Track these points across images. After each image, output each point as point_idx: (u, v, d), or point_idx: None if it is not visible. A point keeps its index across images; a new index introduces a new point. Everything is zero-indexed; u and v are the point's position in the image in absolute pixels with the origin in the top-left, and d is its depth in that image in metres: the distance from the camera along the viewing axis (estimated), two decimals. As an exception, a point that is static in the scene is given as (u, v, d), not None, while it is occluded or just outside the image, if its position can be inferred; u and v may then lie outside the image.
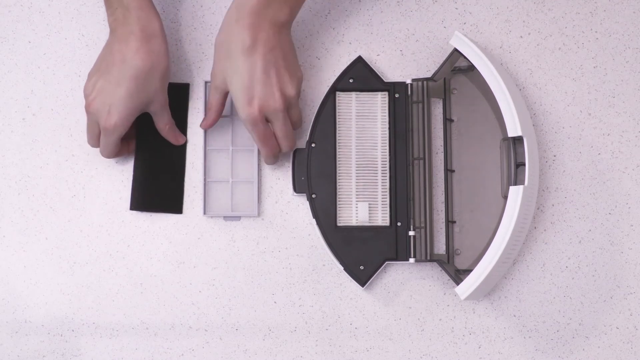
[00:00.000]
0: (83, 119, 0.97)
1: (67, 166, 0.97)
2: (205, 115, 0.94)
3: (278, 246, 0.96)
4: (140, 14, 0.87)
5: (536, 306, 0.96)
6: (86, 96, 0.90)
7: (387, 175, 0.96)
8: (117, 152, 0.93)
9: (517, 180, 0.89)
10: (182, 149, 0.96)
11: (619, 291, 0.95)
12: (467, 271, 0.91)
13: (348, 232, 0.94)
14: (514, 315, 0.96)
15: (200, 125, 0.94)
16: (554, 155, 0.97)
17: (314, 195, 0.95)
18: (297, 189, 0.95)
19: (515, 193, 0.87)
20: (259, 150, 0.94)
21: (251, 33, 0.86)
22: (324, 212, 0.94)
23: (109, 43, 0.90)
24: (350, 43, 0.98)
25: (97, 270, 0.96)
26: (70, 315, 0.96)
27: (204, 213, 0.94)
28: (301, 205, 0.97)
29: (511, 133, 0.88)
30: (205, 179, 0.95)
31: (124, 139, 0.93)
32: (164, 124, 0.93)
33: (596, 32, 0.98)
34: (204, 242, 0.96)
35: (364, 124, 0.96)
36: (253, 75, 0.87)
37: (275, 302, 0.96)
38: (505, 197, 0.89)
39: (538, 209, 0.96)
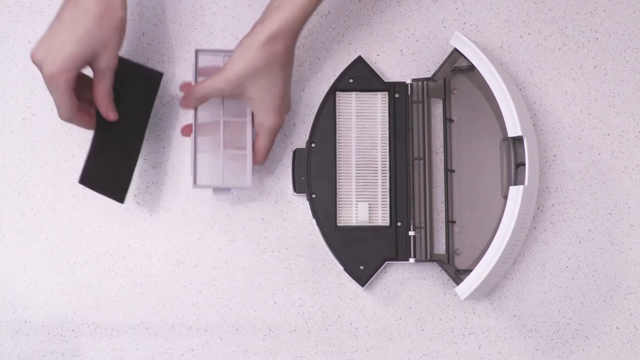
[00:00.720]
0: (83, 119, 0.97)
1: (67, 166, 0.97)
2: (189, 99, 0.92)
3: (278, 246, 0.96)
4: None
5: (536, 306, 0.96)
6: (35, 45, 0.86)
7: (387, 175, 0.96)
8: (74, 113, 0.88)
9: (517, 180, 0.89)
10: (139, 137, 0.93)
11: (619, 291, 0.95)
12: (467, 271, 0.91)
13: (348, 232, 0.94)
14: (514, 315, 0.96)
15: (181, 104, 0.93)
16: (554, 155, 0.97)
17: (314, 195, 0.95)
18: (297, 189, 0.95)
19: (515, 193, 0.87)
20: (252, 123, 0.93)
21: (290, 51, 0.89)
22: (324, 212, 0.94)
23: None
24: (350, 43, 0.98)
25: (97, 270, 0.96)
26: (70, 315, 0.96)
27: (194, 183, 0.91)
28: (301, 205, 0.97)
29: (511, 133, 0.88)
30: (195, 150, 0.91)
31: (85, 105, 0.90)
32: (102, 89, 0.88)
33: (596, 32, 0.98)
34: (204, 242, 0.96)
35: (364, 124, 0.96)
36: (285, 88, 0.90)
37: (275, 302, 0.96)
38: (505, 197, 0.89)
39: (538, 209, 0.96)
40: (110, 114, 0.90)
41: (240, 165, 0.93)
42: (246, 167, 0.92)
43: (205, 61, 0.93)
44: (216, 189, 0.93)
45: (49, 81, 0.85)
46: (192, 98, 0.91)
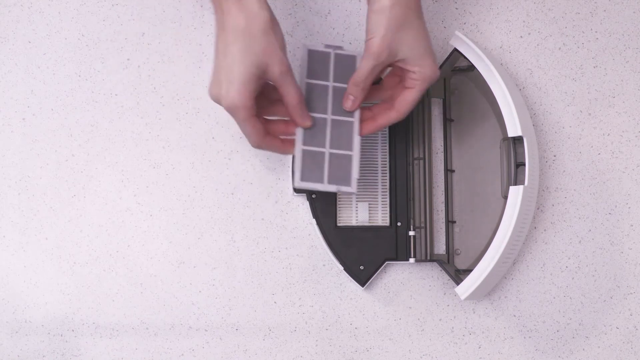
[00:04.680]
0: (83, 119, 0.97)
1: (67, 166, 0.97)
2: (354, 95, 0.88)
3: (278, 246, 0.96)
4: None
5: (536, 306, 0.96)
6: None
7: (387, 175, 0.96)
8: (262, 139, 0.85)
9: (517, 180, 0.89)
10: (352, 120, 0.89)
11: (619, 291, 0.95)
12: (467, 271, 0.91)
13: (348, 232, 0.94)
14: (514, 315, 0.96)
15: (347, 106, 0.88)
16: (554, 155, 0.97)
17: (314, 196, 0.95)
18: (297, 189, 0.95)
19: (515, 193, 0.87)
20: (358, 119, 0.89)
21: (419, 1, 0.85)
22: (324, 212, 0.94)
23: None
24: (350, 43, 0.98)
25: (97, 270, 0.96)
26: (70, 315, 0.96)
27: (301, 180, 0.87)
28: (301, 205, 0.97)
29: (511, 133, 0.88)
30: (299, 146, 0.87)
31: (278, 126, 0.88)
32: (290, 97, 0.84)
33: (596, 32, 0.98)
34: (204, 242, 0.96)
35: (364, 124, 0.96)
36: (427, 33, 0.86)
37: (275, 302, 0.96)
38: (505, 197, 0.89)
39: (538, 209, 0.96)
40: (305, 121, 0.87)
41: (346, 166, 0.89)
42: (351, 170, 0.89)
43: (314, 59, 0.90)
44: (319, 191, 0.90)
45: (231, 113, 0.83)
46: (356, 90, 0.87)
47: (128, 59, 0.98)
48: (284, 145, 0.87)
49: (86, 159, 0.97)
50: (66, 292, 0.96)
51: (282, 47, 0.83)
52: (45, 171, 0.97)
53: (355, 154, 0.88)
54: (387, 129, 0.96)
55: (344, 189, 0.88)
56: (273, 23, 0.82)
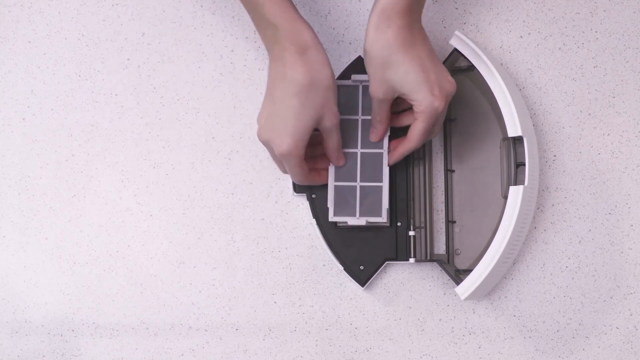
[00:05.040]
0: (83, 119, 0.97)
1: (67, 166, 0.97)
2: (375, 127, 0.91)
3: (278, 246, 0.96)
4: (289, 28, 0.84)
5: (536, 306, 0.96)
6: (258, 126, 0.87)
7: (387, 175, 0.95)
8: (306, 177, 0.90)
9: (517, 180, 0.89)
10: (382, 147, 0.92)
11: (619, 291, 0.95)
12: (467, 271, 0.91)
13: (348, 232, 0.94)
14: (514, 315, 0.96)
15: (371, 138, 0.92)
16: (554, 155, 0.97)
17: (313, 196, 0.95)
18: (297, 189, 0.95)
19: (515, 193, 0.87)
20: (388, 150, 0.92)
21: (406, 31, 0.84)
22: (324, 212, 0.94)
23: (269, 65, 0.87)
24: (350, 43, 0.98)
25: (97, 270, 0.96)
26: (70, 315, 0.96)
27: (334, 215, 0.91)
28: (301, 205, 0.97)
29: (511, 133, 0.88)
30: (332, 182, 0.92)
31: (314, 167, 0.91)
32: (332, 143, 0.89)
33: (596, 32, 0.98)
34: (204, 242, 0.96)
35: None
36: (423, 65, 0.85)
37: (275, 302, 0.96)
38: (505, 197, 0.89)
39: (538, 209, 0.96)
40: (340, 162, 0.92)
41: (375, 197, 0.91)
42: (381, 200, 0.91)
43: (343, 93, 0.93)
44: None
45: (282, 158, 0.86)
46: (374, 122, 0.91)
47: (128, 59, 0.98)
48: (322, 178, 0.92)
49: (86, 159, 0.97)
50: (66, 292, 0.96)
51: (336, 100, 0.86)
52: (45, 171, 0.97)
53: (385, 184, 0.91)
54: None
55: (374, 219, 0.91)
56: (333, 78, 0.85)
